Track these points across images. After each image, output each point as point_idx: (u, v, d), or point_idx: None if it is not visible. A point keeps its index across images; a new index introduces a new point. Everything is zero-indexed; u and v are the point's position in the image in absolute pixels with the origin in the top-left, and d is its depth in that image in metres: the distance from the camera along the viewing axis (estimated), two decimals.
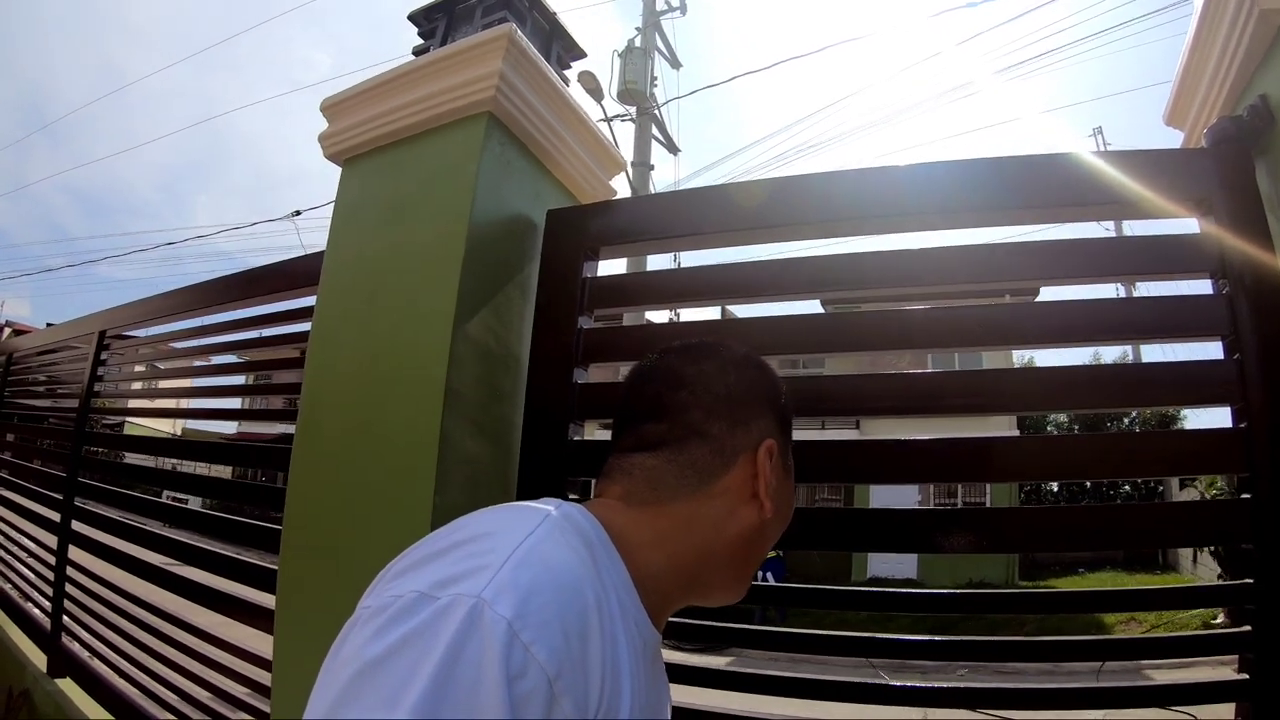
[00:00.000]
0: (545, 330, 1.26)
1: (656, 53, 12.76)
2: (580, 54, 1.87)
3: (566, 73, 1.71)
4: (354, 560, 1.16)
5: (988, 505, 12.94)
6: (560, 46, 1.75)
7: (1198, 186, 1.00)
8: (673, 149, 13.14)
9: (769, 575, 10.39)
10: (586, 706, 0.50)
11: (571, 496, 1.16)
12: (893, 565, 15.52)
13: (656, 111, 12.42)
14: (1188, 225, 1.04)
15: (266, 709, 1.65)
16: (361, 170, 1.47)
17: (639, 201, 1.39)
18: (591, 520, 0.63)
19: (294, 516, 1.32)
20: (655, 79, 12.48)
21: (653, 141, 12.35)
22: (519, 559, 0.51)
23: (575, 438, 1.21)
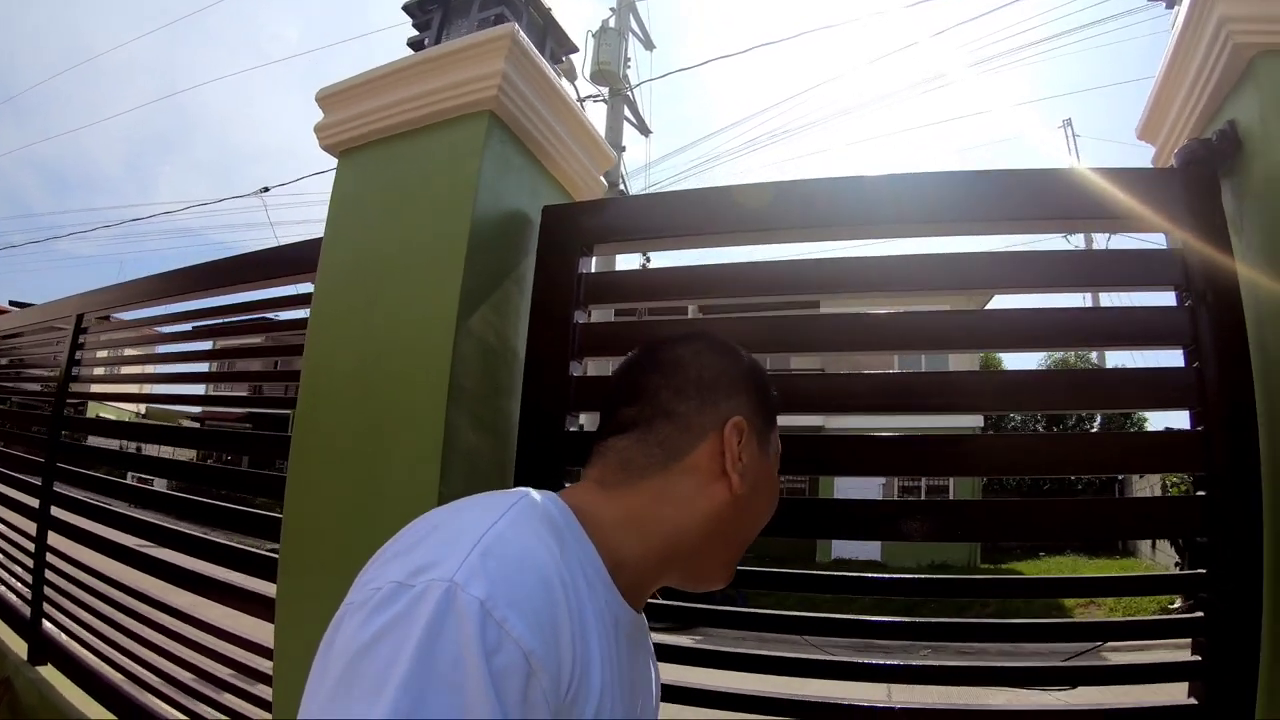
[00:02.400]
0: (542, 325, 1.30)
1: (630, 34, 12.69)
2: (572, 48, 1.90)
3: (558, 66, 1.74)
4: (360, 549, 1.19)
5: (951, 496, 13.19)
6: (553, 41, 1.77)
7: (1166, 205, 1.07)
8: (645, 131, 13.11)
9: None
10: (560, 680, 0.53)
11: (568, 485, 1.20)
12: (856, 547, 15.78)
13: (629, 93, 12.39)
14: (1155, 240, 1.11)
15: (248, 689, 1.69)
16: (359, 162, 1.48)
17: (633, 201, 1.43)
18: (559, 505, 0.66)
19: (295, 505, 1.34)
20: (628, 60, 12.43)
21: (625, 123, 12.32)
22: (486, 544, 0.54)
23: (572, 429, 1.26)
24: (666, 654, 1.20)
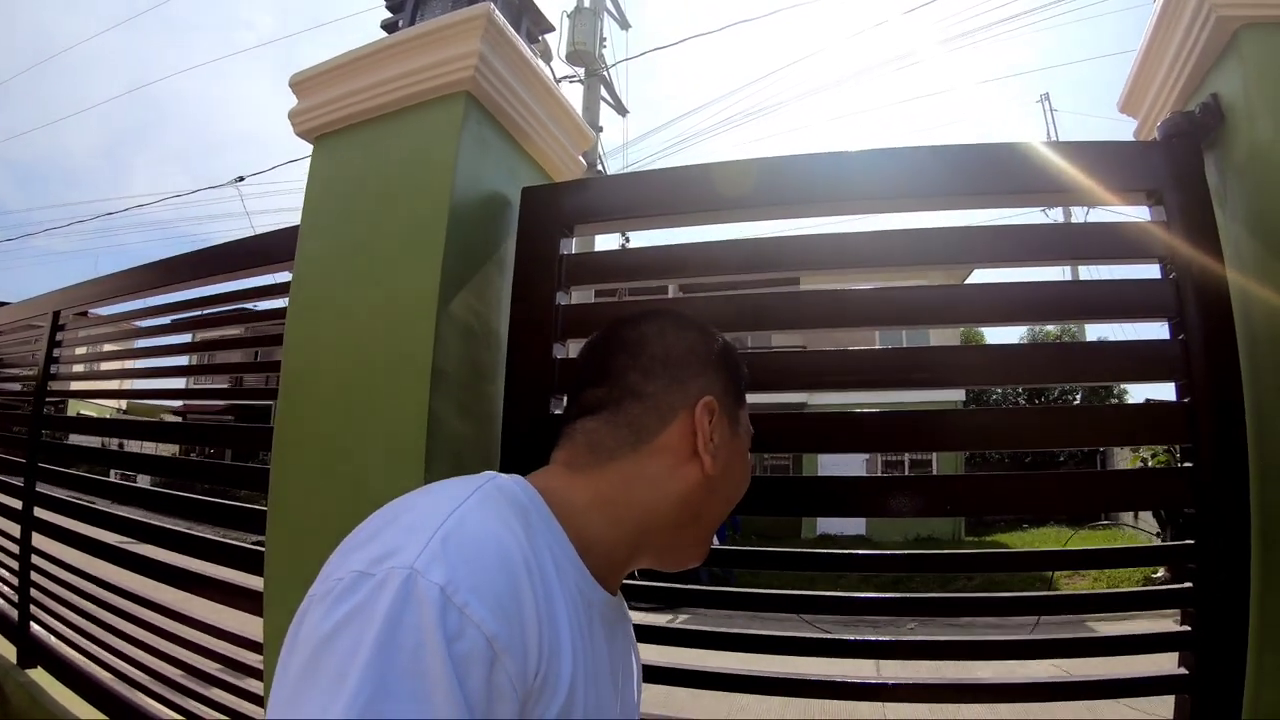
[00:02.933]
0: (523, 307, 1.28)
1: (606, 13, 12.56)
2: (549, 27, 1.87)
3: (535, 46, 1.71)
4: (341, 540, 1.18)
5: (934, 471, 13.31)
6: (529, 20, 1.75)
7: (1149, 177, 1.06)
8: (621, 111, 13.03)
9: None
10: (526, 664, 0.53)
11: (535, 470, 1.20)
12: (842, 523, 15.88)
13: (605, 73, 12.28)
14: (1138, 213, 1.11)
15: (238, 684, 1.68)
16: (334, 147, 1.45)
17: (614, 180, 1.41)
18: (526, 488, 0.66)
19: (279, 497, 1.33)
20: (604, 40, 12.31)
21: (602, 104, 12.22)
22: (446, 532, 0.53)
23: (556, 412, 1.24)
24: (653, 635, 1.21)
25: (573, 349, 1.28)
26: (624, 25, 13.23)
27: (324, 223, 1.41)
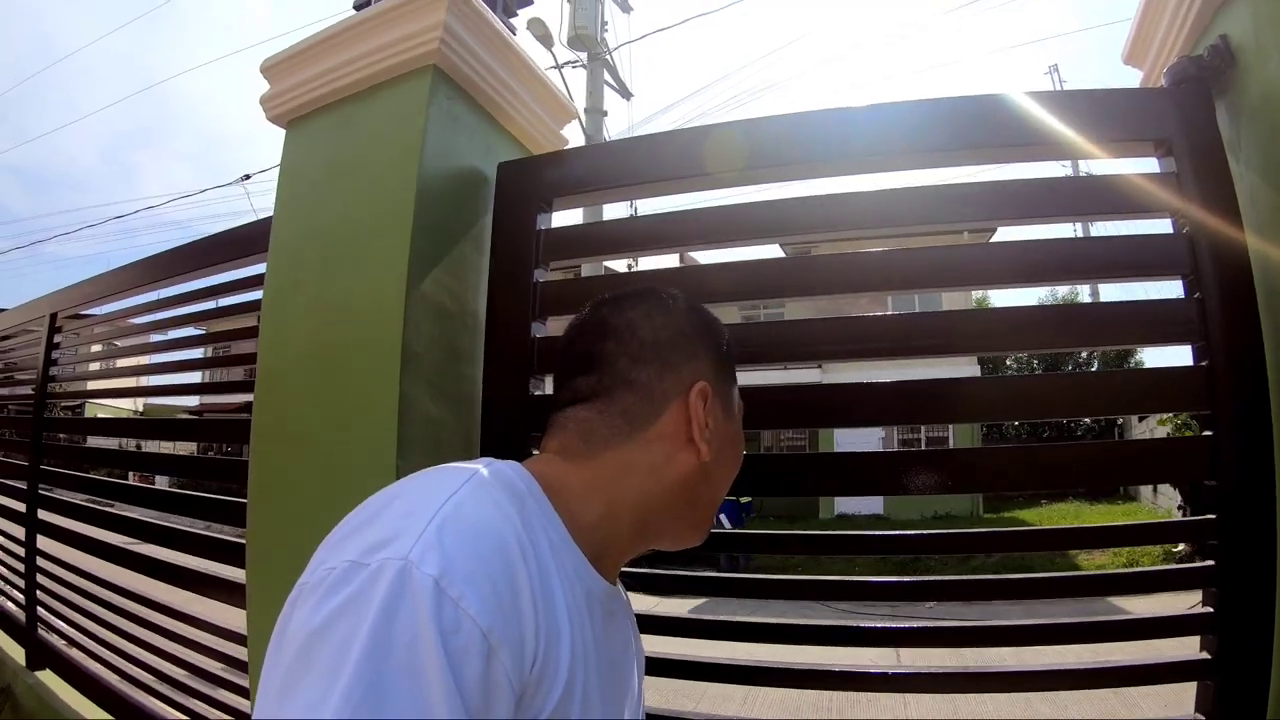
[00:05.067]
0: (501, 285, 1.23)
1: None
2: (527, 2, 1.80)
3: (514, 20, 1.65)
4: (321, 529, 1.14)
5: (950, 445, 13.18)
6: None
7: (1158, 127, 1.00)
8: (625, 94, 12.88)
9: (724, 520, 10.33)
10: (523, 656, 0.51)
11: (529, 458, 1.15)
12: (859, 501, 15.83)
13: (608, 56, 12.16)
14: (1147, 165, 1.04)
15: (240, 682, 1.65)
16: (306, 132, 1.41)
17: (591, 150, 1.35)
18: (523, 474, 0.64)
19: (259, 488, 1.30)
20: (606, 23, 12.17)
21: (605, 87, 12.11)
22: (442, 519, 0.51)
23: (536, 393, 1.20)
24: (663, 626, 1.16)
25: (552, 327, 1.23)
26: (625, 8, 13.09)
27: (295, 208, 1.37)
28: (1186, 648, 0.97)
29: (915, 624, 1.10)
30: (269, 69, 1.45)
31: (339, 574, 0.49)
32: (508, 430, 1.18)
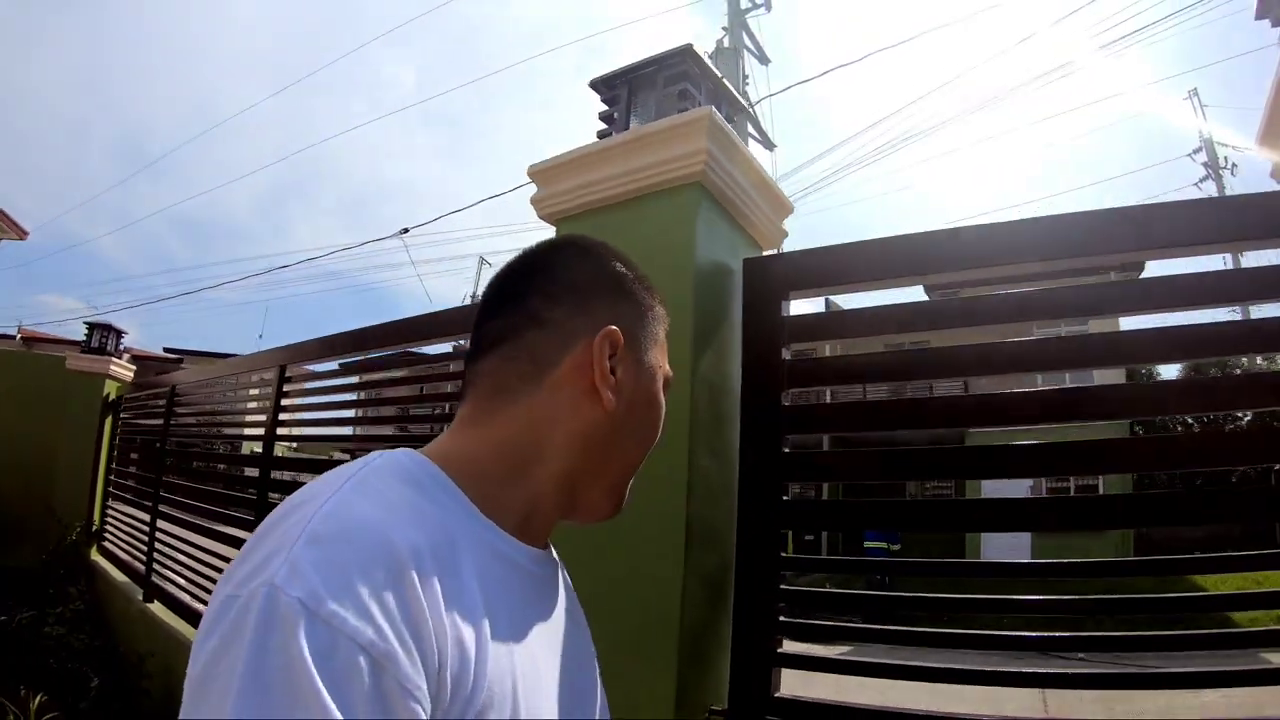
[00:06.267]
0: (754, 364, 1.49)
1: (745, 50, 12.85)
2: (740, 109, 2.08)
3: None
4: (619, 558, 1.41)
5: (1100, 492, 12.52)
6: (726, 104, 1.95)
7: None
8: (769, 145, 13.26)
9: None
10: (424, 658, 0.48)
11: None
12: (1007, 549, 15.07)
13: (751, 109, 12.54)
14: None
15: None
16: (575, 230, 1.70)
17: (826, 251, 1.55)
18: (414, 457, 0.61)
19: None
20: (747, 77, 12.57)
21: (750, 140, 12.46)
22: (313, 529, 0.49)
23: (785, 450, 1.44)
24: (811, 665, 1.32)
25: (797, 398, 1.47)
26: (763, 60, 13.50)
27: None
28: None
29: (1063, 670, 1.19)
30: (536, 174, 1.77)
31: (217, 610, 0.47)
32: (761, 481, 1.42)
